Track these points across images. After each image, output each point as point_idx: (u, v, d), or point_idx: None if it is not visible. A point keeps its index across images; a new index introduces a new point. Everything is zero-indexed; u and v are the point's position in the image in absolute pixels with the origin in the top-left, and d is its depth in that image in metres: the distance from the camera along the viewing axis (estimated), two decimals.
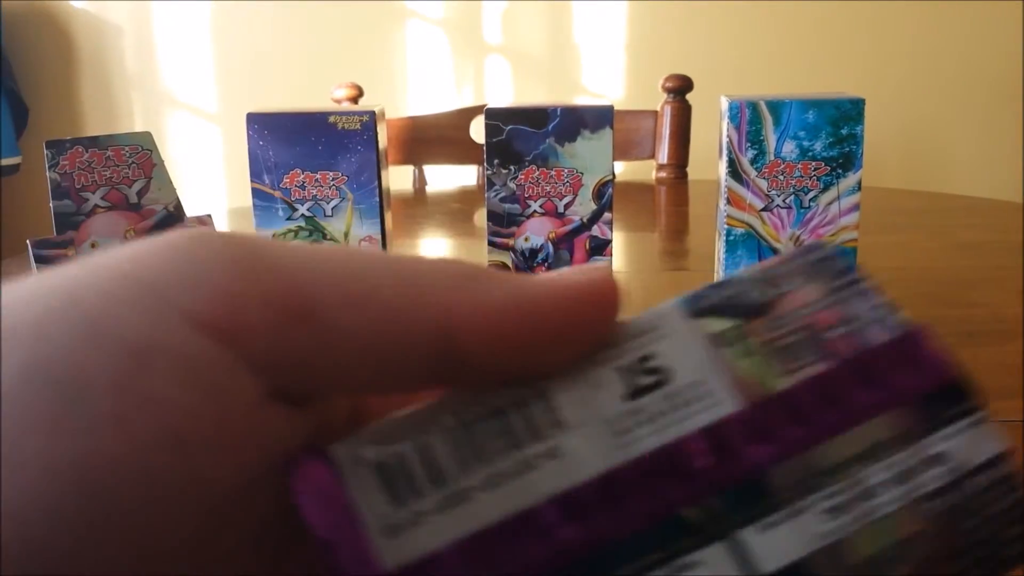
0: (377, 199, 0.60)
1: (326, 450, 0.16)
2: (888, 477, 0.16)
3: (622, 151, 1.39)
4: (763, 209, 0.58)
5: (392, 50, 2.17)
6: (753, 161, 0.57)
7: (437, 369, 0.16)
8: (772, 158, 0.57)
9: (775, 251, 0.58)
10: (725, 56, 2.08)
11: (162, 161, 0.58)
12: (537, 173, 0.58)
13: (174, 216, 0.58)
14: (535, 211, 0.58)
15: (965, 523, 0.16)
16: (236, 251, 0.15)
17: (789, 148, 0.57)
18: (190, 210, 0.59)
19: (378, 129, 0.60)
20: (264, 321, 0.15)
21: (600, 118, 0.57)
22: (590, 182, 0.58)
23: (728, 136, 0.57)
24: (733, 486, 0.16)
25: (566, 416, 0.16)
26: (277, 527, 0.16)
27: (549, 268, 0.59)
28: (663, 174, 1.38)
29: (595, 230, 0.59)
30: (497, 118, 0.57)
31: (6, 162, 2.06)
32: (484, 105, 0.59)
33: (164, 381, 0.14)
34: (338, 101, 1.39)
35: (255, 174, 0.60)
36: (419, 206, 1.20)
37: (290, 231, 0.61)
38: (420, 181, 1.44)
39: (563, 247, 0.59)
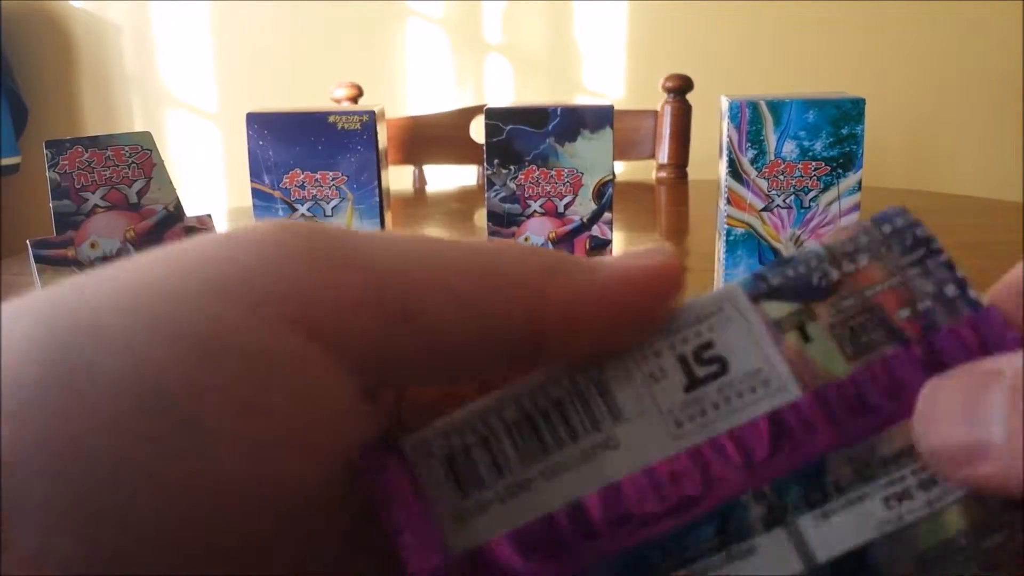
0: (377, 199, 0.60)
1: (397, 442, 0.16)
2: None
3: (622, 151, 1.39)
4: (763, 209, 0.58)
5: (392, 50, 2.17)
6: (753, 161, 0.57)
7: (516, 356, 0.16)
8: (772, 158, 0.57)
9: (775, 251, 0.58)
10: (725, 56, 2.08)
11: (162, 161, 0.58)
12: (537, 173, 0.58)
13: (174, 216, 0.58)
14: (535, 211, 0.58)
15: None
16: (332, 248, 0.15)
17: (789, 148, 0.57)
18: (190, 210, 0.59)
19: (378, 129, 0.60)
20: (368, 323, 0.15)
21: (600, 118, 0.57)
22: (590, 182, 0.58)
23: (728, 136, 0.57)
24: (792, 473, 0.16)
25: (624, 408, 0.16)
26: (347, 519, 0.16)
27: None
28: (663, 174, 1.38)
29: (595, 230, 0.59)
30: (497, 118, 0.57)
31: (6, 162, 2.06)
32: (484, 105, 0.59)
33: (282, 396, 0.14)
34: (338, 101, 1.39)
35: (255, 174, 0.60)
36: (419, 206, 1.20)
37: None
38: (420, 181, 1.44)
39: (563, 247, 0.59)
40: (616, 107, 0.62)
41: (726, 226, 0.58)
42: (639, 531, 0.15)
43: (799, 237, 0.58)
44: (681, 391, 0.16)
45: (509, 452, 0.16)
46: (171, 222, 0.58)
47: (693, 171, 1.40)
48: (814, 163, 0.57)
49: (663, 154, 1.39)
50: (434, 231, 1.04)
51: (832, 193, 0.57)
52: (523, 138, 0.57)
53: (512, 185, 0.58)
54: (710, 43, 2.09)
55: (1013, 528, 0.15)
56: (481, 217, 0.65)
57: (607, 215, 0.58)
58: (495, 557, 0.15)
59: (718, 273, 0.61)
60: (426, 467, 0.16)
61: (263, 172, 0.60)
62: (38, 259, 0.54)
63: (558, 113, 0.57)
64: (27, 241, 0.54)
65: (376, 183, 0.60)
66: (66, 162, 0.55)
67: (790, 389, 0.16)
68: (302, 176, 0.60)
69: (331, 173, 0.60)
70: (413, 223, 1.05)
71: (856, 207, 0.58)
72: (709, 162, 0.68)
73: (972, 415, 0.15)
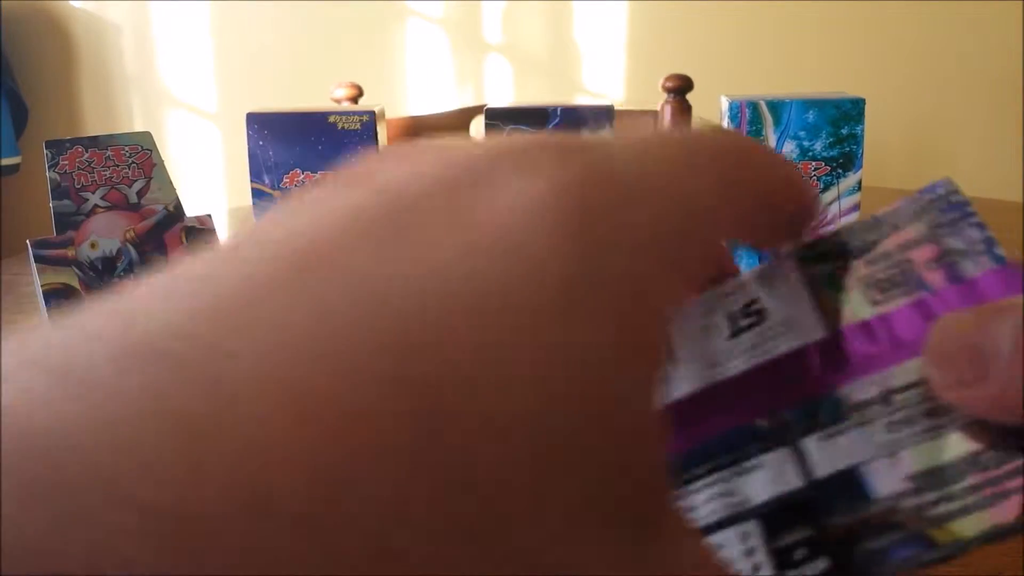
0: None
1: None
2: None
3: None
4: None
5: (392, 50, 2.17)
6: None
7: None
8: None
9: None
10: (725, 56, 2.08)
11: (162, 161, 0.58)
12: None
13: (174, 216, 0.58)
14: None
15: None
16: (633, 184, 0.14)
17: (789, 148, 0.57)
18: (190, 210, 0.59)
19: (378, 129, 0.60)
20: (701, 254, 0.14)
21: (600, 118, 0.57)
22: None
23: None
24: (806, 402, 0.17)
25: (679, 354, 0.18)
26: None
27: None
28: None
29: None
30: (497, 118, 0.57)
31: (6, 162, 2.06)
32: (484, 105, 0.59)
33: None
34: (338, 101, 1.39)
35: (255, 174, 0.60)
36: None
37: None
38: None
39: None
40: (616, 107, 0.62)
41: None
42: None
43: None
44: (725, 339, 0.18)
45: None
46: (171, 222, 0.58)
47: None
48: (814, 163, 0.57)
49: None
50: None
51: (832, 193, 0.57)
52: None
53: None
54: (710, 43, 2.09)
55: (1005, 457, 0.16)
56: None
57: None
58: None
59: None
60: None
61: (263, 172, 0.60)
62: (38, 259, 0.54)
63: (558, 113, 0.57)
64: (27, 241, 0.54)
65: None
66: (66, 162, 0.55)
67: (816, 331, 0.17)
68: (302, 176, 0.60)
69: (331, 173, 0.60)
70: None
71: (856, 207, 0.58)
72: None
73: (980, 338, 0.15)
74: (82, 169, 0.55)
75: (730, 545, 0.17)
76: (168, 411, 0.09)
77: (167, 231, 0.58)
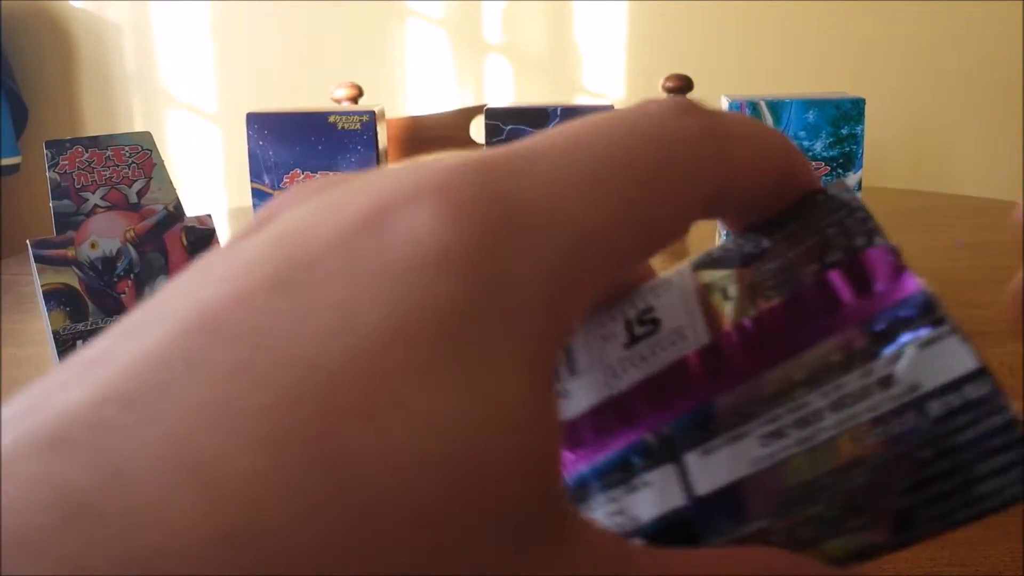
0: None
1: None
2: (831, 401, 0.15)
3: None
4: None
5: (392, 50, 2.17)
6: None
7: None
8: None
9: None
10: (725, 56, 2.08)
11: (162, 161, 0.58)
12: None
13: (174, 216, 0.58)
14: None
15: (922, 452, 0.15)
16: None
17: None
18: (190, 210, 0.59)
19: (378, 129, 0.60)
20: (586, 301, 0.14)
21: None
22: None
23: None
24: (688, 413, 0.17)
25: (579, 365, 0.18)
26: None
27: None
28: None
29: None
30: (497, 118, 0.57)
31: (6, 162, 2.06)
32: (484, 105, 0.59)
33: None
34: (338, 101, 1.39)
35: (255, 174, 0.60)
36: None
37: None
38: None
39: None
40: (616, 107, 0.61)
41: None
42: (570, 465, 0.17)
43: None
44: (622, 348, 0.18)
45: None
46: (171, 222, 0.58)
47: None
48: (814, 163, 0.57)
49: None
50: None
51: None
52: (523, 138, 0.57)
53: None
54: (710, 43, 2.09)
55: (879, 471, 0.15)
56: None
57: None
58: None
59: None
60: None
61: (263, 172, 0.60)
62: (38, 259, 0.54)
63: (558, 113, 0.57)
64: (27, 241, 0.54)
65: None
66: (66, 162, 0.55)
67: (701, 339, 0.17)
68: (302, 176, 0.60)
69: (331, 173, 0.60)
70: None
71: None
72: None
73: None
74: (82, 169, 0.55)
75: None
76: (62, 494, 0.10)
77: (167, 231, 0.58)
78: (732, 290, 0.17)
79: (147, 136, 0.57)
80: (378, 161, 0.60)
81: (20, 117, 2.13)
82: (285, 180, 0.60)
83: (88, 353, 0.12)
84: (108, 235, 0.56)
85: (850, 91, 0.59)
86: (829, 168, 0.56)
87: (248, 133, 0.59)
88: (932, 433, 0.15)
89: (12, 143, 2.08)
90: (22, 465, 0.10)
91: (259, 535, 0.10)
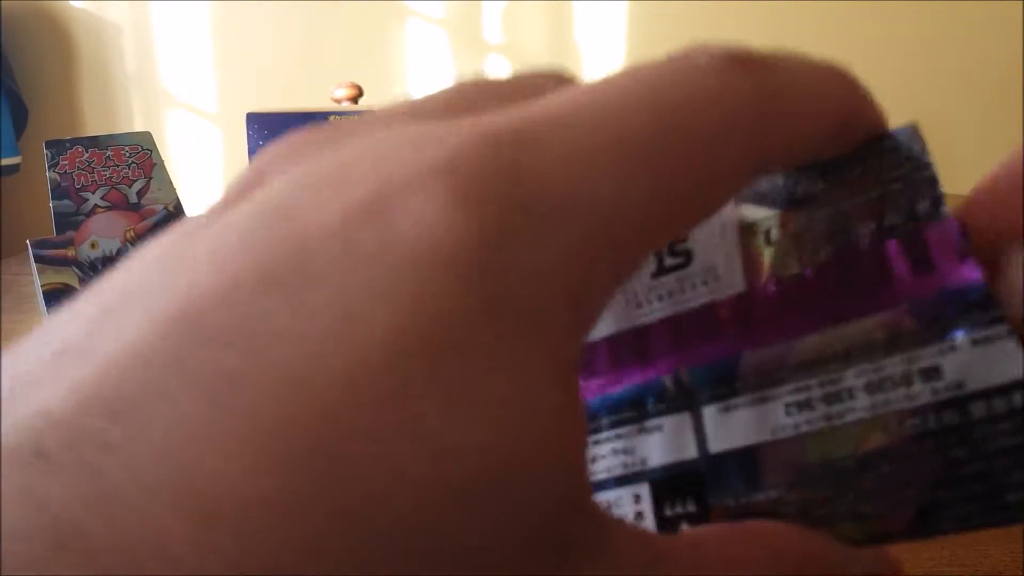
0: None
1: None
2: (868, 382, 0.14)
3: None
4: None
5: (392, 50, 2.17)
6: None
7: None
8: None
9: None
10: None
11: (162, 161, 0.58)
12: None
13: (174, 216, 0.58)
14: None
15: (956, 451, 0.14)
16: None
17: None
18: (190, 210, 0.59)
19: None
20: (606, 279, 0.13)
21: None
22: None
23: None
24: (711, 363, 0.16)
25: None
26: None
27: None
28: None
29: None
30: None
31: (6, 162, 2.06)
32: None
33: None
34: (338, 101, 1.39)
35: None
36: None
37: None
38: None
39: None
40: None
41: None
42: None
43: None
44: (649, 276, 0.17)
45: None
46: (171, 222, 0.58)
47: None
48: None
49: None
50: None
51: None
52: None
53: None
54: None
55: (906, 462, 0.14)
56: None
57: None
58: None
59: None
60: None
61: None
62: (38, 259, 0.54)
63: None
64: (27, 241, 0.54)
65: None
66: (66, 162, 0.55)
67: (736, 285, 0.16)
68: None
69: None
70: None
71: None
72: None
73: None
74: (82, 169, 0.55)
75: (623, 504, 0.16)
76: (48, 519, 0.09)
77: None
78: (775, 234, 0.16)
79: (147, 136, 0.57)
80: None
81: (20, 117, 2.13)
82: None
83: (60, 334, 0.11)
84: (108, 235, 0.56)
85: None
86: None
87: (248, 133, 0.59)
88: (971, 434, 0.14)
89: (12, 143, 2.08)
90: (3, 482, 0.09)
91: (264, 571, 0.09)
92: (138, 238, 0.57)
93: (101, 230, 0.56)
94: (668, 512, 0.16)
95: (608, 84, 0.13)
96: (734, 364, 0.16)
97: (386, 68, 2.17)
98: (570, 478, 0.11)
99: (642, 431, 0.16)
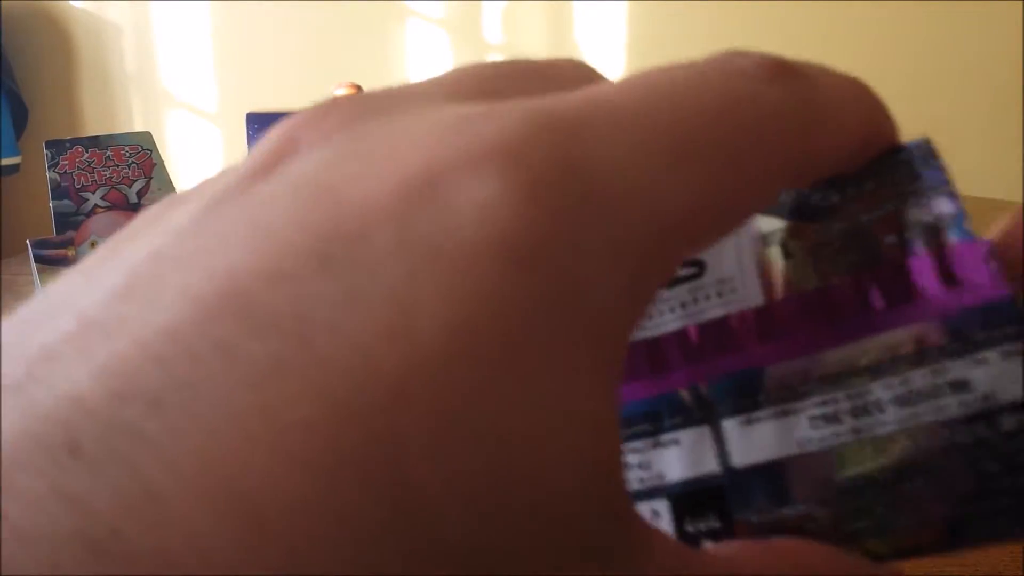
0: None
1: None
2: (896, 395, 0.14)
3: None
4: None
5: (392, 50, 2.17)
6: None
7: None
8: None
9: None
10: None
11: (162, 161, 0.58)
12: None
13: None
14: None
15: (987, 465, 0.14)
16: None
17: None
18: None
19: None
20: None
21: None
22: None
23: None
24: (730, 376, 0.16)
25: None
26: None
27: None
28: None
29: None
30: None
31: (6, 162, 2.07)
32: None
33: None
34: None
35: None
36: None
37: None
38: None
39: None
40: None
41: None
42: None
43: None
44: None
45: None
46: None
47: None
48: None
49: None
50: None
51: None
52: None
53: None
54: (710, 43, 2.08)
55: (935, 475, 0.14)
56: None
57: None
58: None
59: None
60: None
61: None
62: (38, 259, 0.54)
63: None
64: (27, 241, 0.54)
65: None
66: (66, 162, 0.55)
67: (752, 298, 0.16)
68: None
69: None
70: None
71: None
72: None
73: None
74: (82, 169, 0.55)
75: None
76: (84, 521, 0.08)
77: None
78: (793, 246, 0.16)
79: (147, 136, 0.57)
80: None
81: (20, 117, 2.13)
82: None
83: (76, 303, 0.10)
84: (108, 235, 0.56)
85: None
86: None
87: (248, 133, 0.59)
88: (1001, 447, 0.14)
89: (12, 143, 2.08)
90: (29, 478, 0.08)
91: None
92: None
93: (101, 230, 0.56)
94: (690, 528, 0.16)
95: (659, 77, 0.13)
96: (756, 377, 0.15)
97: (386, 68, 2.17)
98: (611, 484, 0.11)
99: (658, 445, 0.16)
